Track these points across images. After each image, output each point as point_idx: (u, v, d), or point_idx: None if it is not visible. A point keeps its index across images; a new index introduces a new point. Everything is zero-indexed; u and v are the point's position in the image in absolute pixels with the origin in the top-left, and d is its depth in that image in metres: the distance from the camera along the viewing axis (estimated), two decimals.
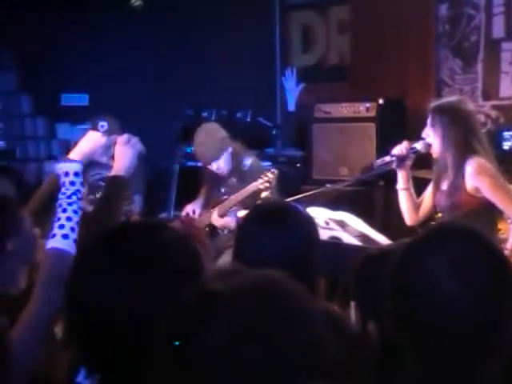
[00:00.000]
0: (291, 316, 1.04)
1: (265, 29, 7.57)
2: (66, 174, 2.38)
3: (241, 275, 1.12)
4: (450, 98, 4.30)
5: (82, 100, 7.42)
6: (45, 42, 7.08)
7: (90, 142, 2.61)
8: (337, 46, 7.29)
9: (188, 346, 1.04)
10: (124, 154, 2.53)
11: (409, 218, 3.85)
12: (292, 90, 7.50)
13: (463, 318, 1.27)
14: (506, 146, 3.26)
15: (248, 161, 4.69)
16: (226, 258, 4.23)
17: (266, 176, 4.38)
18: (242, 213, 4.34)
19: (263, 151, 6.71)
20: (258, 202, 4.18)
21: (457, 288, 1.27)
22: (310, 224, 2.14)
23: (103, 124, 5.30)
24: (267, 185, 4.35)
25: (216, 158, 4.65)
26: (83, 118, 5.97)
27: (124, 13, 7.29)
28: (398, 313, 1.32)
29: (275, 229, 2.05)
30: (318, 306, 1.10)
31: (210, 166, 4.72)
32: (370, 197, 5.76)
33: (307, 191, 5.06)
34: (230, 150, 4.68)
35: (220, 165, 4.68)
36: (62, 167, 2.40)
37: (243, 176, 4.63)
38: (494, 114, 6.41)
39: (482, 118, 6.41)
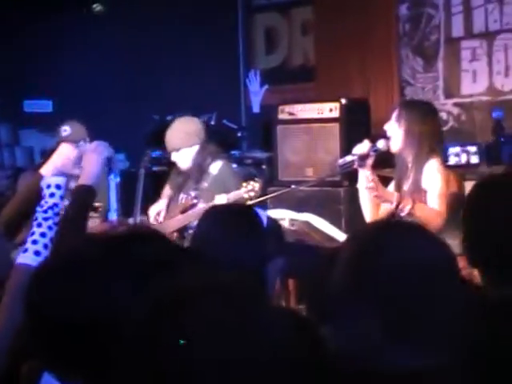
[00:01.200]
0: (254, 316, 1.06)
1: (228, 31, 7.60)
2: (48, 186, 2.37)
3: (205, 277, 1.14)
4: (419, 100, 4.38)
5: (45, 106, 7.38)
6: (6, 48, 7.02)
7: (61, 155, 2.60)
8: (300, 47, 7.33)
9: (152, 345, 1.06)
10: (91, 162, 2.52)
11: (369, 215, 3.89)
12: (256, 91, 7.53)
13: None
14: (452, 161, 3.32)
15: (218, 164, 4.65)
16: None
17: (250, 185, 4.35)
18: (221, 199, 4.30)
19: (229, 154, 6.73)
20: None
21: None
22: (268, 227, 2.17)
23: (65, 129, 5.28)
24: (252, 194, 4.33)
25: (175, 148, 4.60)
26: (47, 124, 5.94)
27: (87, 18, 7.26)
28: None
29: (231, 231, 2.09)
30: (279, 307, 1.12)
31: (172, 157, 4.68)
32: (336, 197, 5.80)
33: (273, 193, 5.10)
34: (196, 148, 4.62)
35: (179, 158, 4.63)
36: (45, 181, 2.40)
37: (212, 180, 4.61)
38: (455, 111, 6.49)
39: (444, 115, 6.50)
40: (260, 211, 2.31)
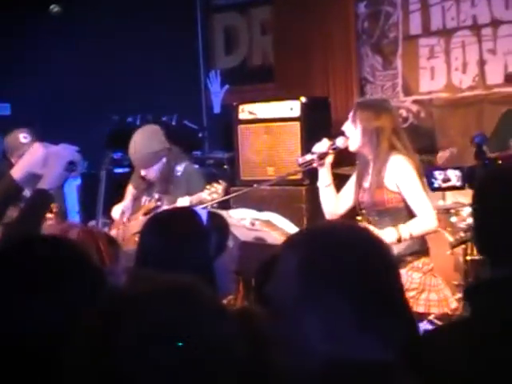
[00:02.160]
0: (199, 317, 1.05)
1: (187, 32, 7.56)
2: None
3: (152, 279, 1.13)
4: (374, 97, 4.41)
5: (3, 110, 7.27)
6: None
7: (31, 154, 2.55)
8: (260, 47, 7.33)
9: (99, 350, 1.04)
10: (54, 166, 2.47)
11: (329, 213, 3.89)
12: (217, 92, 7.52)
13: None
14: (436, 184, 3.34)
15: (181, 167, 4.65)
16: None
17: (214, 187, 4.34)
18: (184, 201, 4.28)
19: (190, 154, 6.70)
20: None
21: None
22: (211, 224, 2.18)
23: (25, 136, 5.21)
24: (215, 196, 4.32)
25: (146, 167, 4.63)
26: (5, 128, 5.85)
27: (46, 20, 7.17)
28: None
29: (172, 235, 2.11)
30: (224, 307, 1.11)
31: (142, 172, 4.68)
32: (297, 195, 5.81)
33: (235, 192, 5.09)
34: (164, 160, 4.63)
35: (149, 172, 4.64)
36: None
37: (176, 182, 4.60)
38: (414, 108, 6.54)
39: (403, 113, 6.55)
40: (199, 210, 2.33)
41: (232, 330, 1.05)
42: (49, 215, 4.26)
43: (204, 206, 4.15)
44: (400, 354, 1.32)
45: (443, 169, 3.56)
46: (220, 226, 2.27)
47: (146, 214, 4.65)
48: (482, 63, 6.15)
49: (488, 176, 1.95)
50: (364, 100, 3.91)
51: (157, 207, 4.60)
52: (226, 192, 4.56)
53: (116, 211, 4.85)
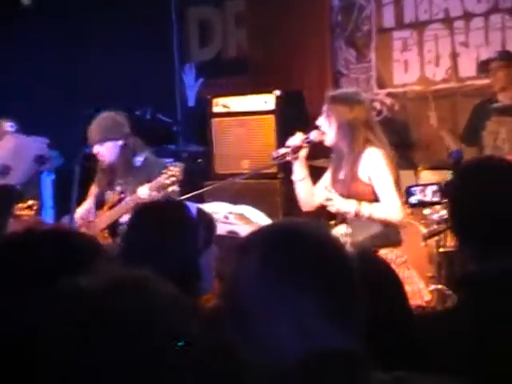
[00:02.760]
0: (150, 314, 1.04)
1: (162, 25, 7.52)
2: None
3: (107, 273, 1.11)
4: (346, 90, 4.41)
5: None
6: None
7: (3, 146, 2.52)
8: (235, 40, 7.31)
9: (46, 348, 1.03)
10: (22, 159, 2.45)
11: (304, 205, 3.91)
12: (191, 85, 7.49)
13: None
14: (413, 200, 3.36)
15: (141, 157, 4.61)
16: None
17: (170, 170, 4.31)
18: (143, 190, 4.26)
19: (165, 148, 6.67)
20: (165, 196, 4.11)
21: None
22: (199, 219, 2.16)
23: (12, 125, 5.15)
24: (173, 179, 4.29)
25: (98, 141, 4.54)
26: None
27: (16, 13, 7.10)
28: None
29: (163, 227, 2.08)
30: (192, 305, 1.10)
31: (94, 149, 4.63)
32: (272, 189, 5.81)
33: (210, 186, 5.07)
34: (120, 142, 4.56)
35: (102, 151, 4.57)
36: None
37: (137, 172, 4.56)
38: (388, 101, 6.56)
39: (377, 105, 6.56)
40: (190, 204, 2.31)
41: (192, 327, 1.04)
42: (28, 212, 4.23)
43: (167, 190, 4.15)
44: (365, 340, 1.32)
45: (421, 185, 3.60)
46: (207, 221, 2.26)
47: (110, 207, 4.63)
48: (454, 56, 6.18)
49: (467, 169, 1.96)
50: (337, 93, 3.90)
51: (121, 199, 4.58)
52: (199, 185, 4.55)
53: (79, 212, 4.82)
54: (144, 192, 4.19)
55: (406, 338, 1.73)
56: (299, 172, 3.86)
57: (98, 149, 4.55)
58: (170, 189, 4.19)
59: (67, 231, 1.56)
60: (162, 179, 4.24)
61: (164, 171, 4.31)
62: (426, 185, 3.56)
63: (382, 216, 3.65)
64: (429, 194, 3.60)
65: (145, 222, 2.17)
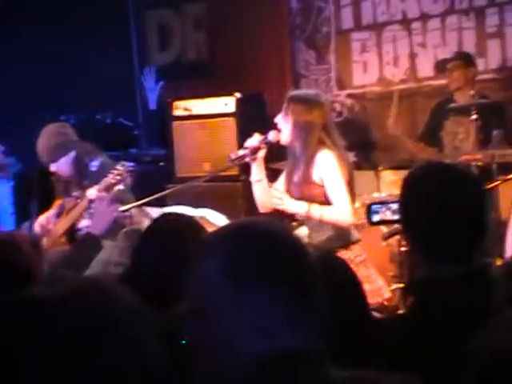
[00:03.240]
0: (108, 321, 1.03)
1: (121, 29, 7.48)
2: None
3: (67, 281, 1.11)
4: (307, 91, 4.44)
5: None
6: None
7: None
8: (194, 43, 7.30)
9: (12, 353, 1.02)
10: None
11: (262, 207, 3.92)
12: (152, 88, 7.46)
13: None
14: (374, 218, 3.40)
15: (96, 162, 4.64)
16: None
17: (116, 169, 4.33)
18: (91, 191, 4.24)
19: (126, 152, 6.63)
20: (112, 195, 4.11)
21: None
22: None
23: None
24: (119, 178, 4.31)
25: (52, 160, 4.61)
26: None
27: None
28: None
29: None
30: (149, 312, 1.09)
31: (51, 167, 4.69)
32: (234, 191, 5.82)
33: (173, 190, 5.05)
34: (72, 154, 4.63)
35: (58, 167, 4.64)
36: None
37: (93, 177, 4.57)
38: (349, 102, 6.60)
39: (338, 106, 6.60)
40: (153, 209, 2.32)
41: (148, 332, 1.04)
42: None
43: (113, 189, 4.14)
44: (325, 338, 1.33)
45: (380, 202, 3.63)
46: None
47: (67, 213, 4.65)
48: (412, 56, 6.24)
49: (415, 174, 1.97)
50: (297, 93, 3.93)
51: (76, 205, 4.59)
52: (161, 188, 4.54)
53: (39, 221, 4.83)
54: (92, 193, 4.20)
55: (364, 337, 1.74)
56: (257, 173, 3.87)
57: (53, 167, 4.64)
58: (116, 188, 4.20)
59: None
60: (109, 179, 4.26)
61: (111, 171, 4.33)
62: (387, 202, 3.59)
63: (332, 219, 3.68)
64: (390, 212, 3.63)
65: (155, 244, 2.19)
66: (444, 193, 1.84)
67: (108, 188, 4.12)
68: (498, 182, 3.68)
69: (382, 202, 3.51)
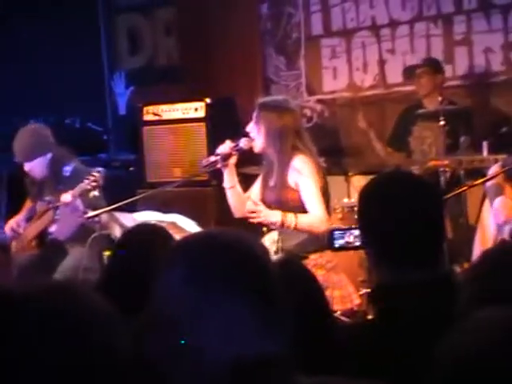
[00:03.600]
0: (77, 322, 1.04)
1: (90, 33, 7.45)
2: None
3: (39, 283, 1.11)
4: (276, 97, 4.46)
5: None
6: None
7: None
8: (165, 48, 7.31)
9: None
10: None
11: (236, 212, 3.93)
12: (122, 93, 7.44)
13: None
14: (336, 244, 3.43)
15: (70, 167, 4.63)
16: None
17: (92, 176, 4.33)
18: (66, 197, 4.23)
19: (96, 157, 6.61)
20: (82, 200, 4.11)
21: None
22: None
23: None
24: (94, 184, 4.31)
25: (28, 159, 4.59)
26: None
27: None
28: None
29: None
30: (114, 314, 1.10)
31: (25, 167, 4.67)
32: (204, 196, 5.82)
33: (143, 195, 5.04)
34: (49, 156, 4.62)
35: (33, 167, 4.64)
36: None
37: (66, 182, 4.56)
38: (318, 108, 6.64)
39: (308, 112, 6.64)
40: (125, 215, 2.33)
41: (122, 339, 1.04)
42: None
43: (88, 195, 4.14)
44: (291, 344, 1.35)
45: (343, 229, 3.66)
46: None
47: (39, 218, 4.64)
48: (381, 63, 6.30)
49: (375, 180, 2.00)
50: (266, 100, 3.94)
51: (48, 210, 4.59)
52: (131, 194, 4.54)
53: (9, 224, 4.81)
54: (67, 198, 4.18)
55: (327, 343, 1.76)
56: (229, 180, 3.88)
57: (28, 166, 4.62)
58: (91, 194, 4.20)
59: None
60: (84, 185, 4.26)
61: (87, 177, 4.33)
62: (349, 229, 3.61)
63: (307, 227, 3.69)
64: (352, 238, 3.66)
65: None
66: (405, 198, 1.87)
67: (83, 194, 4.12)
68: (465, 188, 3.73)
69: (345, 228, 3.53)
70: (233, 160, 3.83)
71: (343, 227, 3.76)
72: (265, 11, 6.79)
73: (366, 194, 1.95)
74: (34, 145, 4.62)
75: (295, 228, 3.66)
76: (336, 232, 3.37)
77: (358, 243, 3.57)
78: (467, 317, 1.21)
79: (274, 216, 3.66)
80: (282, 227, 3.68)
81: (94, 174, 4.27)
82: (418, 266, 1.82)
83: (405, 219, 1.84)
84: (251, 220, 3.72)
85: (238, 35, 6.77)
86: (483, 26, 5.87)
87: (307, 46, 6.62)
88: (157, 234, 2.34)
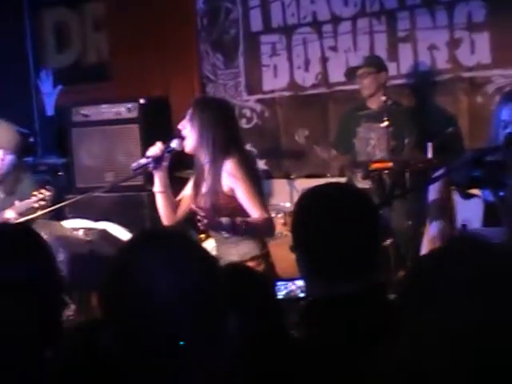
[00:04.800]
0: None
1: (14, 29, 7.37)
2: None
3: None
4: (213, 96, 4.48)
5: None
6: None
7: None
8: (94, 44, 7.27)
9: None
10: None
11: (166, 218, 3.92)
12: (49, 93, 7.38)
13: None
14: (280, 295, 3.47)
15: (25, 177, 4.61)
16: None
17: (41, 193, 4.27)
18: (10, 213, 4.20)
19: (22, 161, 6.53)
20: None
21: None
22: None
23: None
24: (42, 203, 4.25)
25: (9, 150, 4.56)
26: None
27: None
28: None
29: None
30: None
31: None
32: (139, 202, 5.82)
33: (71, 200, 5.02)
34: (11, 156, 4.57)
35: (4, 160, 4.58)
36: None
37: (18, 191, 4.52)
38: (259, 108, 6.69)
39: (247, 112, 6.69)
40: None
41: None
42: None
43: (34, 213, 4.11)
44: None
45: (286, 279, 3.71)
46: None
47: None
48: (324, 61, 6.37)
49: (307, 194, 2.06)
50: (202, 98, 3.98)
51: None
52: (59, 200, 4.51)
53: None
54: (10, 215, 4.16)
55: (282, 352, 1.81)
56: (160, 184, 3.87)
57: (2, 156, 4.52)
58: (38, 213, 4.15)
59: None
60: (31, 202, 4.22)
61: (35, 193, 4.27)
62: (292, 279, 3.67)
63: (255, 231, 3.71)
64: (296, 289, 3.71)
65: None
66: (336, 211, 1.94)
67: (28, 211, 4.08)
68: (409, 191, 3.80)
69: (286, 280, 3.57)
70: (165, 162, 3.83)
71: (285, 278, 3.78)
72: (201, 6, 6.82)
73: (298, 207, 2.02)
74: (14, 138, 4.55)
75: (245, 232, 3.67)
76: (278, 283, 3.41)
77: (301, 294, 3.62)
78: (401, 329, 1.26)
79: (223, 222, 3.64)
80: (232, 233, 3.67)
81: (43, 191, 4.22)
82: (350, 279, 1.89)
83: (336, 235, 1.91)
84: (200, 226, 3.71)
85: (173, 31, 6.79)
86: (427, 23, 5.99)
87: (246, 43, 6.67)
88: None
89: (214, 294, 1.41)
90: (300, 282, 3.70)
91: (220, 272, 1.48)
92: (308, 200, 2.03)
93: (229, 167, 3.71)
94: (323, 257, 1.91)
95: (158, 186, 3.89)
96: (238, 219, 3.63)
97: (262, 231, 3.76)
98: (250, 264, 3.74)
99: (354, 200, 2.00)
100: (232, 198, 3.73)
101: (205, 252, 1.48)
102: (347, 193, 2.08)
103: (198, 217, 3.63)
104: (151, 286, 1.36)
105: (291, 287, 3.69)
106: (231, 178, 3.70)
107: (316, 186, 2.06)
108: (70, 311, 3.79)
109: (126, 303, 1.36)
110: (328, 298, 1.88)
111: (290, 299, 3.67)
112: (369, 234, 1.95)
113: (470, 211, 3.88)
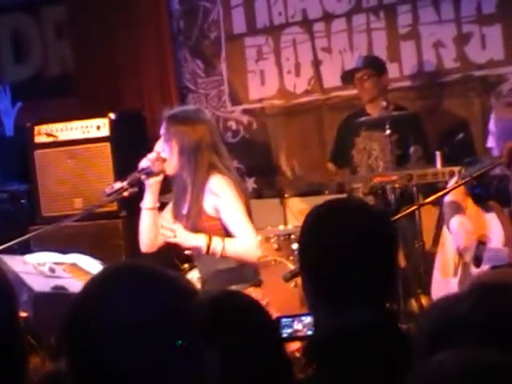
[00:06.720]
0: None
1: None
2: None
3: None
4: (186, 107, 4.48)
5: None
6: None
7: None
8: (57, 54, 7.30)
9: None
10: None
11: (149, 242, 3.95)
12: (7, 111, 7.37)
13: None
14: (284, 334, 3.50)
15: None
16: None
17: None
18: None
19: None
20: None
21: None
22: None
23: None
24: None
25: None
26: None
27: None
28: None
29: None
30: None
31: None
32: (113, 230, 5.82)
33: (35, 232, 5.02)
34: None
35: None
36: None
37: None
38: (245, 119, 6.69)
39: (233, 125, 6.70)
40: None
41: None
42: None
43: None
44: None
45: (292, 316, 3.72)
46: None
47: None
48: (316, 64, 6.39)
49: (317, 211, 2.07)
50: (175, 113, 3.95)
51: None
52: (22, 231, 4.52)
53: None
54: None
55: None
56: (149, 200, 3.90)
57: None
58: None
59: None
60: None
61: None
62: (299, 315, 3.68)
63: (238, 253, 3.75)
64: (302, 326, 3.71)
65: None
66: (349, 233, 1.95)
67: None
68: (414, 207, 3.80)
69: (292, 316, 3.59)
70: (157, 179, 3.86)
71: (291, 315, 3.81)
72: (176, 7, 6.85)
73: (304, 228, 2.04)
74: None
75: (222, 254, 3.70)
76: (283, 320, 3.42)
77: (309, 332, 3.64)
78: (418, 366, 1.28)
79: (196, 239, 3.70)
80: (208, 253, 3.70)
81: None
82: (362, 308, 1.91)
83: (346, 259, 1.93)
84: (167, 240, 3.75)
85: (145, 36, 6.81)
86: (432, 17, 6.02)
87: (228, 47, 6.69)
88: None
89: (181, 329, 1.44)
90: (308, 319, 3.72)
91: (196, 305, 1.50)
92: (316, 218, 2.03)
93: (212, 184, 3.74)
94: (334, 281, 1.93)
95: (147, 202, 3.92)
96: (215, 240, 3.67)
97: (244, 256, 3.79)
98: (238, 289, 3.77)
99: (368, 218, 2.00)
100: (215, 219, 3.76)
101: (175, 285, 1.50)
102: (361, 209, 2.07)
103: (165, 231, 3.67)
104: (113, 324, 1.40)
105: (297, 324, 3.69)
106: (215, 197, 3.74)
107: (326, 202, 2.07)
108: (37, 358, 3.79)
109: (90, 341, 1.39)
110: (336, 330, 1.89)
111: (296, 338, 3.69)
112: (387, 256, 1.97)
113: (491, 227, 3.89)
